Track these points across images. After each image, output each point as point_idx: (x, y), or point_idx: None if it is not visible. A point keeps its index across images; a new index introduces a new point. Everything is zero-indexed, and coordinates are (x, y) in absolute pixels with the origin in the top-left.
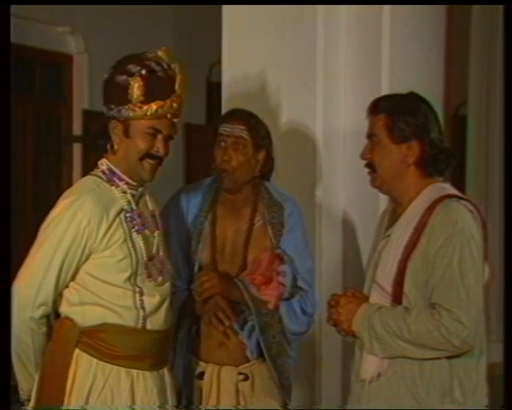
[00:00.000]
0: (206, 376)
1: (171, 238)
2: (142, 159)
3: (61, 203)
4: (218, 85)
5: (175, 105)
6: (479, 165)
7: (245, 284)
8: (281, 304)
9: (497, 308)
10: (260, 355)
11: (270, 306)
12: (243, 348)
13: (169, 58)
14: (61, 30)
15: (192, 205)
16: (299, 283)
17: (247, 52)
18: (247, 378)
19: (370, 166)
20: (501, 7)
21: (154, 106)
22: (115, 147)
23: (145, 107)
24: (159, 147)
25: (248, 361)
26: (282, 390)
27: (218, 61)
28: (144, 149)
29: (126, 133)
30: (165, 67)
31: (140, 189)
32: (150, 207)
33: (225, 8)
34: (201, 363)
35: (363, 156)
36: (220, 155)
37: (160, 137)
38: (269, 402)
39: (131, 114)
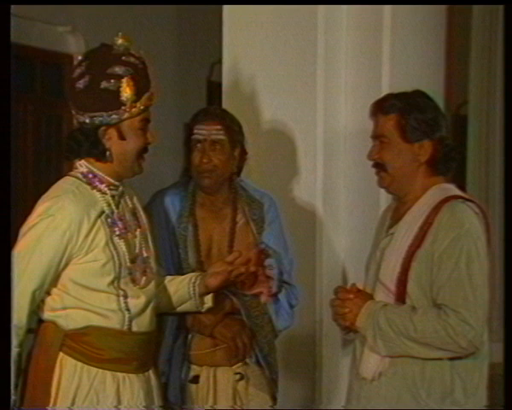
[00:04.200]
0: (202, 379)
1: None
2: (139, 157)
3: (40, 207)
4: (219, 85)
5: (154, 92)
6: (479, 165)
7: (233, 291)
8: (270, 301)
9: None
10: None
11: (263, 298)
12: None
13: (131, 43)
14: (61, 30)
15: (171, 211)
16: (285, 276)
17: (247, 52)
18: (242, 378)
19: (378, 165)
20: (501, 7)
21: (143, 100)
22: (112, 154)
23: (137, 104)
24: (150, 137)
25: (241, 361)
26: (272, 384)
27: (219, 61)
28: (141, 145)
29: (121, 136)
30: (137, 55)
31: (120, 188)
32: (130, 205)
33: (225, 7)
34: (194, 367)
35: (370, 157)
36: (198, 158)
37: (147, 126)
38: (264, 399)
39: (126, 116)
